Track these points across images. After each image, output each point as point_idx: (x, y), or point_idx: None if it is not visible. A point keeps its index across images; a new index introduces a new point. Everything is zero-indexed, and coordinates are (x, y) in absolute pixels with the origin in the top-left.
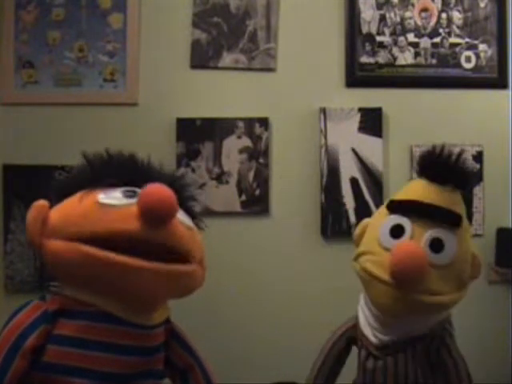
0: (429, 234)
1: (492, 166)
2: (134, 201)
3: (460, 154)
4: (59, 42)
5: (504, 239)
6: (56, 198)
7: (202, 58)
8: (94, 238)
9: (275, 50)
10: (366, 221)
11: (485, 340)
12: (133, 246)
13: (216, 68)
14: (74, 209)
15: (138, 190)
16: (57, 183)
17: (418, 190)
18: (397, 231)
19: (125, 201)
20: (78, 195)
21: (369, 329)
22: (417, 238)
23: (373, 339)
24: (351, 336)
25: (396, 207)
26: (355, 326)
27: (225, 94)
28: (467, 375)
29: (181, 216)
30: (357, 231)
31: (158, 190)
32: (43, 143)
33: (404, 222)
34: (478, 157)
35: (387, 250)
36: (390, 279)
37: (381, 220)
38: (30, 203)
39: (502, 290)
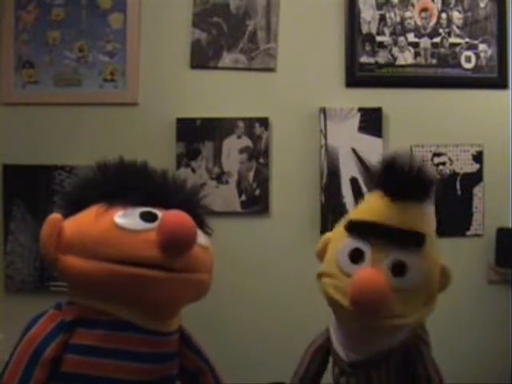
0: (390, 257)
1: (492, 166)
2: (152, 225)
3: (418, 165)
4: (59, 42)
5: (504, 239)
6: (69, 207)
7: (202, 57)
8: (112, 260)
9: (275, 50)
10: (327, 236)
11: (485, 340)
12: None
13: (216, 68)
14: (90, 228)
15: (157, 212)
16: (69, 192)
17: (377, 208)
18: (356, 255)
19: (143, 225)
20: (93, 211)
21: (340, 347)
22: (378, 263)
23: (345, 357)
24: (328, 347)
25: (354, 229)
26: (329, 339)
27: (225, 94)
28: None
29: (198, 236)
30: (318, 246)
31: (178, 221)
32: (43, 143)
33: (363, 245)
34: (478, 157)
35: (347, 275)
36: (351, 306)
37: (340, 241)
38: (30, 203)
39: (501, 290)
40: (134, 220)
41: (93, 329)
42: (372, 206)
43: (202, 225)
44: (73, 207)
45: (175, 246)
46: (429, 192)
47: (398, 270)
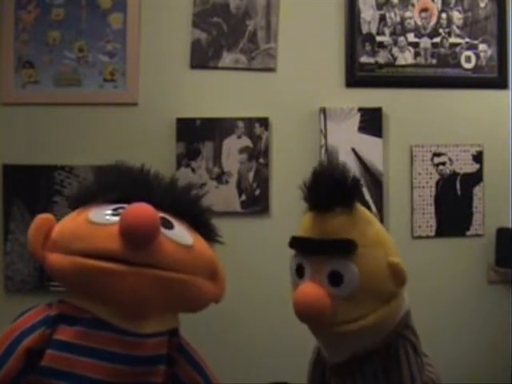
0: (326, 269)
1: (492, 166)
2: (117, 219)
3: (333, 173)
4: (59, 42)
5: (504, 239)
6: (70, 208)
7: (202, 57)
8: (85, 254)
9: (275, 50)
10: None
11: (485, 340)
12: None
13: (216, 68)
14: (69, 224)
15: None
16: (70, 195)
17: (307, 225)
18: (300, 271)
19: (111, 219)
20: (77, 210)
21: (324, 351)
22: (316, 276)
23: (329, 361)
24: (323, 361)
25: (293, 246)
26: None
27: (225, 93)
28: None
29: (178, 233)
30: (289, 263)
31: (139, 211)
32: (43, 143)
33: (303, 261)
34: (478, 157)
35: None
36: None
37: (291, 259)
38: (30, 203)
39: (501, 290)
40: (105, 215)
41: (73, 326)
42: (304, 222)
43: (198, 226)
44: (71, 208)
45: (132, 236)
46: (350, 197)
47: (335, 279)
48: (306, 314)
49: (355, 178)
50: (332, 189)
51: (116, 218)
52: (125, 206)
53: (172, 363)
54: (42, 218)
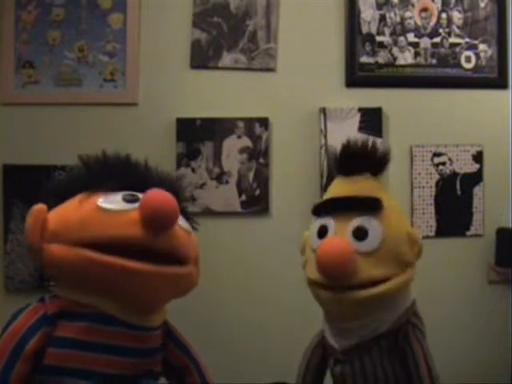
0: (351, 225)
1: (492, 166)
2: (134, 206)
3: (367, 142)
4: (59, 42)
5: (504, 239)
6: (54, 200)
7: (202, 58)
8: (95, 243)
9: (275, 50)
10: (306, 233)
11: (485, 340)
12: (133, 250)
13: (216, 68)
14: (73, 213)
15: (138, 194)
16: (54, 185)
17: (335, 187)
18: (322, 232)
19: (125, 205)
20: (77, 198)
21: (332, 338)
22: (340, 232)
23: (336, 346)
24: (323, 344)
25: (318, 210)
26: (323, 337)
27: (225, 94)
28: (428, 370)
29: (180, 220)
30: (300, 245)
31: (160, 197)
32: (43, 143)
33: (327, 221)
34: (478, 157)
35: (315, 251)
36: (321, 276)
37: (311, 228)
38: (30, 203)
39: (502, 290)
40: (117, 202)
41: (75, 322)
42: (331, 188)
43: (184, 214)
44: (59, 199)
45: (157, 220)
46: (379, 165)
47: (359, 234)
48: (330, 263)
49: (387, 149)
50: (364, 155)
51: (130, 205)
52: (134, 193)
53: (163, 349)
54: (38, 208)
